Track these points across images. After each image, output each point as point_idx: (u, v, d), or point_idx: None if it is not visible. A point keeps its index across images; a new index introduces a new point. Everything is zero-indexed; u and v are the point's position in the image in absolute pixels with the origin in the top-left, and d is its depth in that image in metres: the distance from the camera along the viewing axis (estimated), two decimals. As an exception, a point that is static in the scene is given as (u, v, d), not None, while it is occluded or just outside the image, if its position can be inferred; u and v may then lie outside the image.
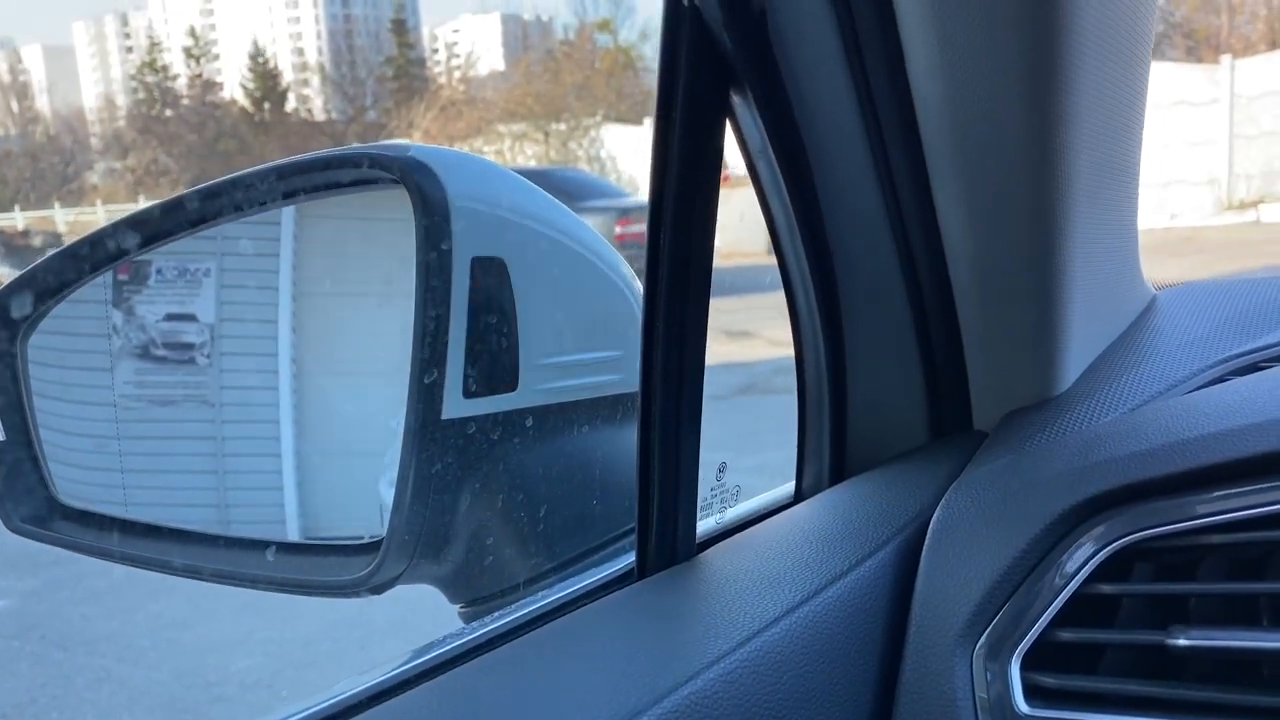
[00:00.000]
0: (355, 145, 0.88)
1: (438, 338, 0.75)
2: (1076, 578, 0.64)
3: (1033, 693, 0.63)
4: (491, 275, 0.79)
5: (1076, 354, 0.83)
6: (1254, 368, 0.82)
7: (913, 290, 0.83)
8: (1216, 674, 0.62)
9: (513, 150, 27.97)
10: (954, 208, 0.77)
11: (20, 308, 0.90)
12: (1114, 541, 0.65)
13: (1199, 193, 16.57)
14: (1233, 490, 0.63)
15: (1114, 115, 0.75)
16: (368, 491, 0.89)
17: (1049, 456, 0.72)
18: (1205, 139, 16.44)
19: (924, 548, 0.70)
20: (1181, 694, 0.60)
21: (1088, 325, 0.84)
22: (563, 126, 28.49)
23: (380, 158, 0.79)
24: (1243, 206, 16.13)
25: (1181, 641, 0.61)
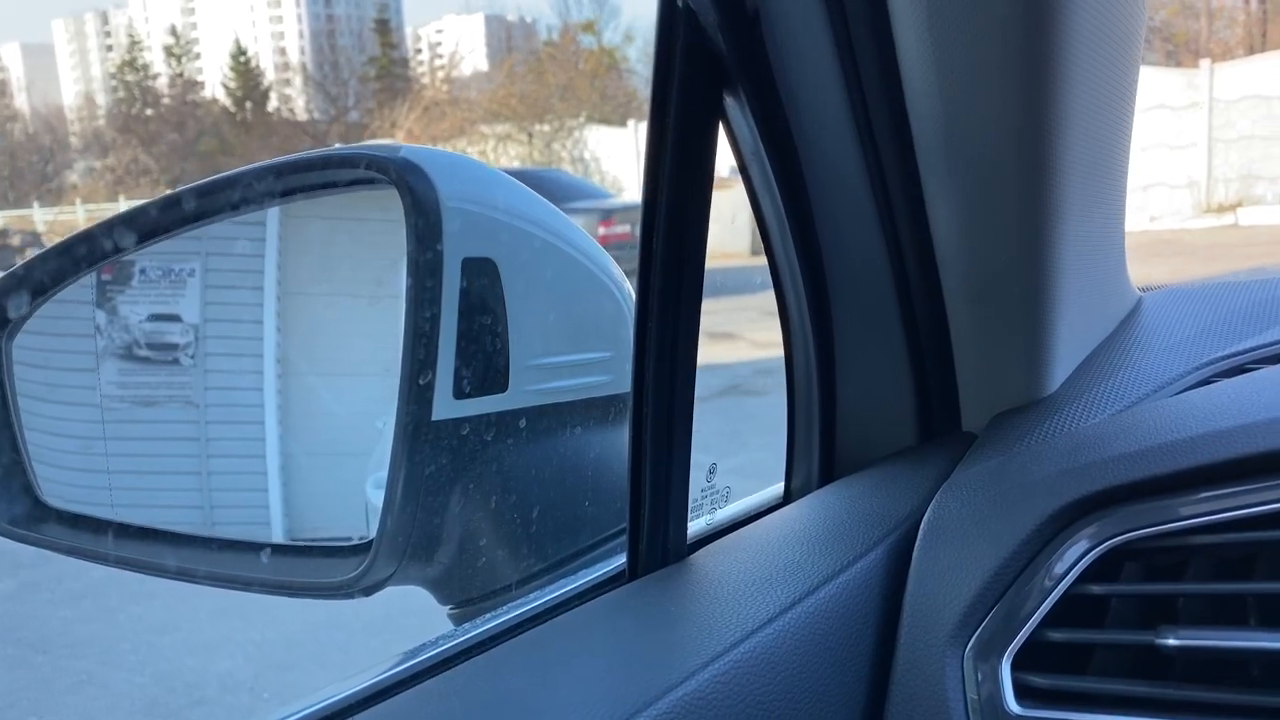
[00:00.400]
0: (344, 145, 0.87)
1: (431, 339, 0.75)
2: (1066, 578, 0.65)
3: (1023, 693, 0.64)
4: (483, 276, 0.79)
5: (1064, 356, 0.84)
6: (1240, 370, 0.82)
7: (902, 292, 0.84)
8: (1204, 673, 0.62)
9: (496, 151, 27.88)
10: (944, 210, 0.77)
11: (17, 308, 0.89)
12: (1103, 542, 0.65)
13: (1178, 195, 16.69)
14: (1219, 491, 0.64)
15: (1104, 119, 0.75)
16: (354, 492, 0.89)
17: (1038, 458, 0.73)
18: (1185, 142, 16.57)
19: (915, 549, 0.71)
20: (1171, 693, 0.61)
21: (1075, 327, 0.84)
22: (546, 128, 28.43)
23: (376, 158, 0.79)
24: (1221, 209, 16.25)
25: (1171, 641, 0.61)
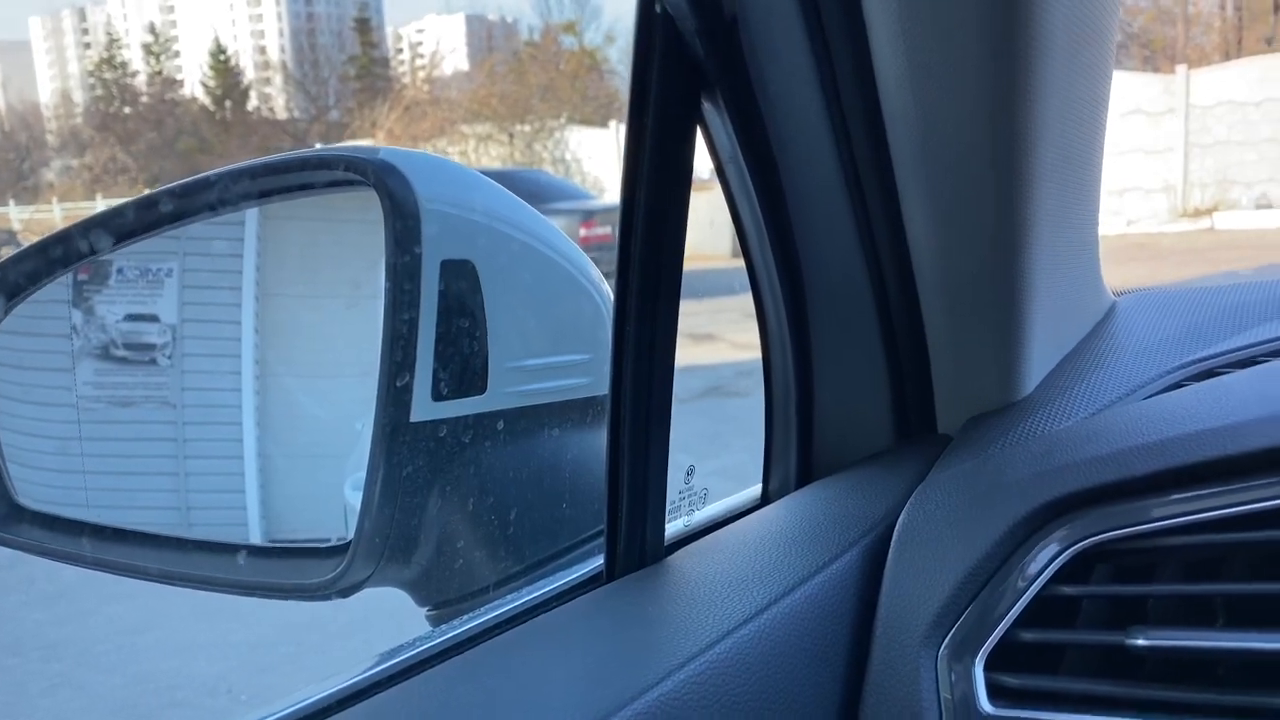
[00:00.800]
0: (323, 147, 0.87)
1: (409, 341, 0.75)
2: (1038, 580, 0.66)
3: (996, 692, 0.64)
4: (461, 278, 0.79)
5: (1038, 360, 0.84)
6: (1209, 374, 0.83)
7: (879, 296, 0.85)
8: (1174, 673, 0.63)
9: (477, 151, 27.79)
10: (920, 216, 0.78)
11: None
12: (1075, 544, 0.66)
13: (1155, 200, 16.84)
14: (1189, 494, 0.65)
15: (1077, 127, 0.76)
16: (332, 494, 0.89)
17: (1011, 461, 0.74)
18: (1162, 147, 16.71)
19: (890, 551, 0.71)
20: (1140, 693, 0.62)
21: (1049, 332, 0.85)
22: (527, 128, 28.37)
23: (354, 160, 0.79)
24: (1197, 214, 16.41)
25: (1140, 642, 0.62)
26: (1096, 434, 0.73)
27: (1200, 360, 0.85)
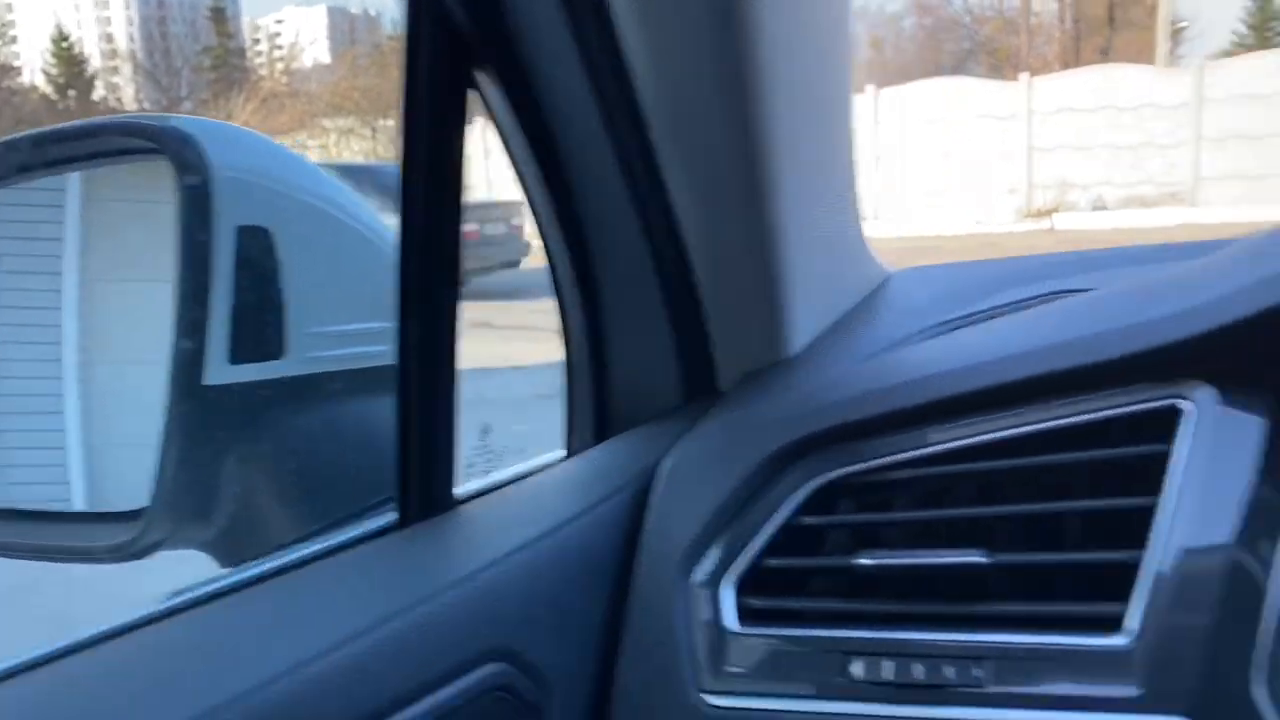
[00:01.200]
0: (113, 115, 0.88)
1: (201, 301, 0.77)
2: (782, 511, 0.73)
3: (745, 614, 0.71)
4: (257, 244, 0.81)
5: (804, 322, 0.92)
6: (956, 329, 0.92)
7: (659, 268, 0.91)
8: (915, 591, 0.71)
9: (339, 145, 27.13)
10: (681, 195, 0.84)
11: None
12: (814, 479, 0.73)
13: (1002, 201, 17.62)
14: (915, 431, 0.73)
15: (815, 116, 0.84)
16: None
17: (768, 407, 0.81)
18: (1007, 151, 17.51)
19: (651, 490, 0.78)
20: (864, 607, 0.69)
21: (815, 297, 0.93)
22: (391, 123, 27.82)
23: (145, 127, 0.81)
24: (1039, 215, 17.23)
25: (865, 561, 0.70)
26: (845, 381, 0.80)
27: (950, 320, 0.94)
